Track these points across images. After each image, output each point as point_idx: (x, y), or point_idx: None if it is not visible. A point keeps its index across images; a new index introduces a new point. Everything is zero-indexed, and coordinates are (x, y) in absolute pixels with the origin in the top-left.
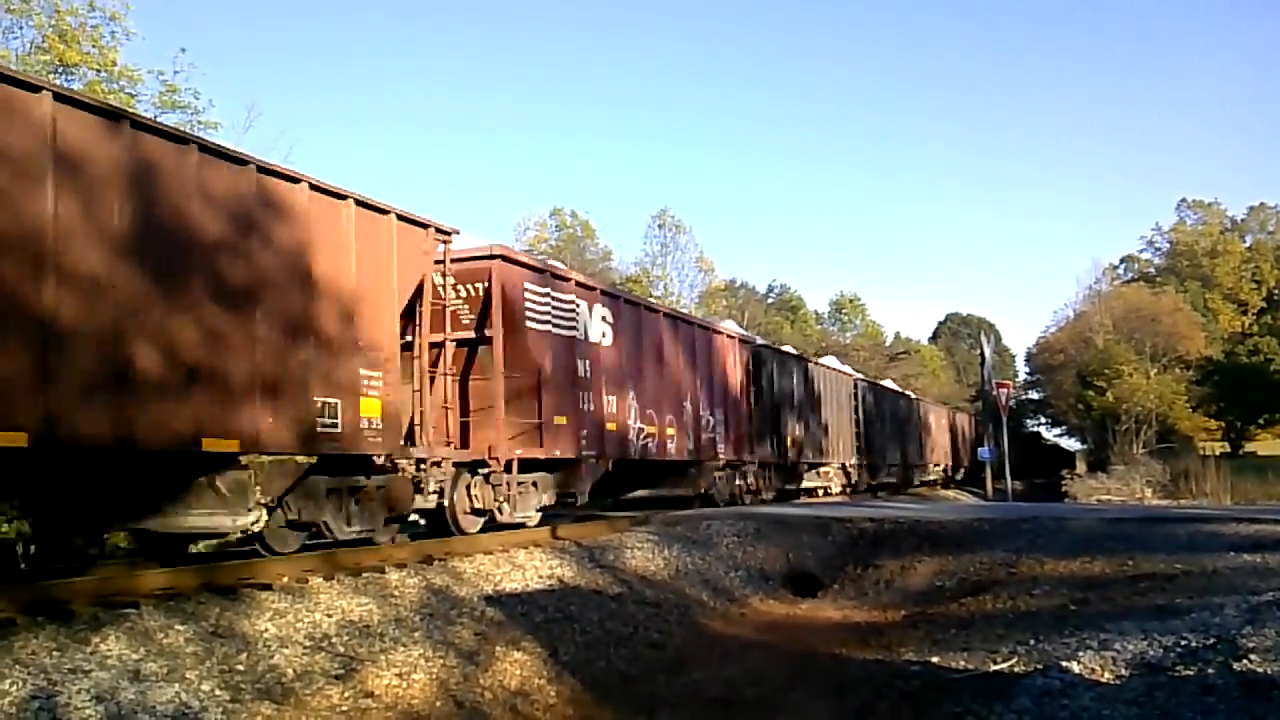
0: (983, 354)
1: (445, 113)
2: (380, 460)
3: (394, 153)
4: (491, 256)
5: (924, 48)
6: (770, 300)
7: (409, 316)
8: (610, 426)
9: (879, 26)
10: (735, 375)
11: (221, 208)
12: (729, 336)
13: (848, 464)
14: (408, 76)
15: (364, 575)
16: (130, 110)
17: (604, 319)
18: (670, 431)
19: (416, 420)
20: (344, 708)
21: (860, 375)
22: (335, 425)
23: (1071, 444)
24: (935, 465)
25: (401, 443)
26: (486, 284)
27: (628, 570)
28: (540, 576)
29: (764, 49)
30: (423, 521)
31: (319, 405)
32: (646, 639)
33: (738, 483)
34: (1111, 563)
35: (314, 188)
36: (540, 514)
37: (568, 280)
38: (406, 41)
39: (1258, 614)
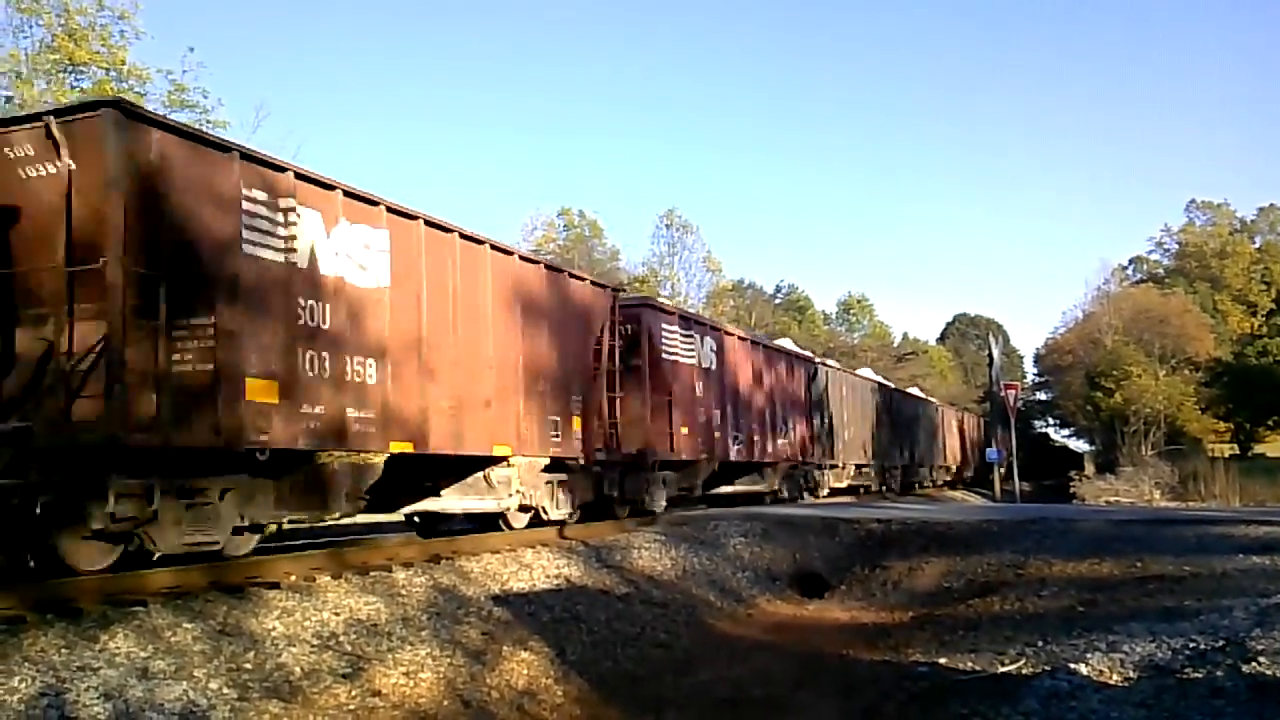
0: (991, 355)
1: (452, 112)
2: (579, 461)
3: (401, 151)
4: (642, 305)
5: (931, 48)
6: (778, 300)
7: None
8: (716, 435)
9: (886, 26)
10: (799, 388)
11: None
12: (794, 355)
13: (885, 464)
14: (413, 75)
15: (371, 574)
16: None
17: (710, 348)
18: (755, 438)
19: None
20: (351, 706)
21: (882, 380)
22: (558, 437)
23: (1080, 445)
24: (944, 466)
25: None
26: (636, 326)
27: (635, 570)
28: (547, 576)
29: (772, 49)
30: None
31: (551, 422)
32: (654, 639)
33: (800, 481)
34: (1120, 564)
35: (573, 276)
36: (666, 502)
37: (688, 318)
38: (412, 40)
39: (1267, 616)
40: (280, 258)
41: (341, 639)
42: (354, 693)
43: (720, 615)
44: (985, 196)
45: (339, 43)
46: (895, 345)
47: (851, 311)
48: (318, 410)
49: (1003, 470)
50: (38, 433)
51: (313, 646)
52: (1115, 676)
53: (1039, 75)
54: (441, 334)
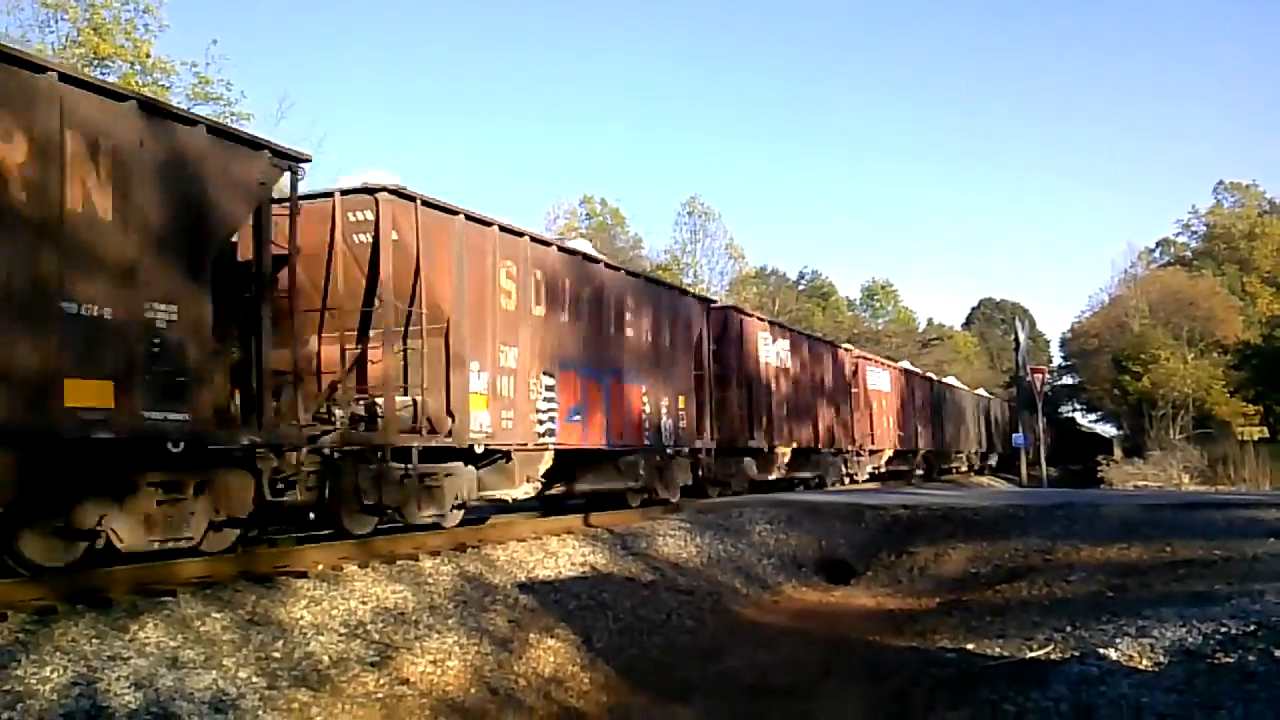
0: (1017, 339)
1: (474, 101)
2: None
3: (423, 140)
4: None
5: (955, 31)
6: (801, 287)
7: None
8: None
9: (910, 9)
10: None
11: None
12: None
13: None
14: (435, 65)
15: (398, 563)
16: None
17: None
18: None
19: (694, 424)
20: (379, 694)
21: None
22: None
23: (1107, 430)
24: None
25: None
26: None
27: (660, 558)
28: (573, 564)
29: (793, 35)
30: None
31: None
32: (680, 626)
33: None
34: (1149, 549)
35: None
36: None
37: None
38: (433, 30)
39: None
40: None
41: (369, 627)
42: (382, 681)
43: (746, 602)
44: (1010, 180)
45: (361, 33)
46: (920, 331)
47: (876, 297)
48: None
49: (1029, 455)
50: None
51: (341, 635)
52: (1145, 661)
53: (1064, 57)
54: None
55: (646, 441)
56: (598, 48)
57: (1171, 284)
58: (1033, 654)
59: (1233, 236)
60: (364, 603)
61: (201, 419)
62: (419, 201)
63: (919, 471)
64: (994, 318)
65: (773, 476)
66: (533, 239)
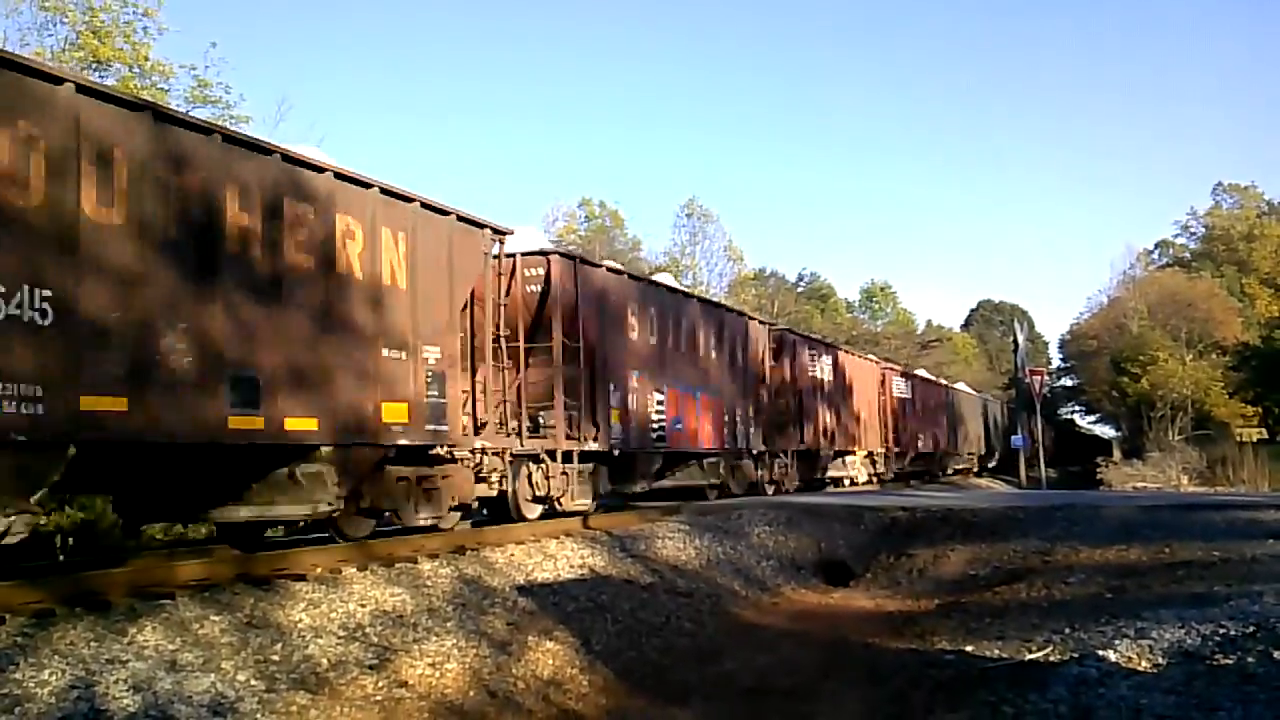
0: (1016, 341)
1: (472, 102)
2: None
3: (422, 142)
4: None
5: (953, 33)
6: (800, 289)
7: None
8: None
9: (907, 10)
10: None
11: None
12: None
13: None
14: (434, 67)
15: (397, 566)
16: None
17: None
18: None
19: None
20: (378, 697)
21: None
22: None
23: (1106, 431)
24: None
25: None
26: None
27: (659, 560)
28: (572, 566)
29: (791, 36)
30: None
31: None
32: (679, 628)
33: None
34: (1148, 550)
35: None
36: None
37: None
38: (432, 31)
39: None
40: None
41: (368, 630)
42: (380, 683)
43: (745, 604)
44: (1009, 182)
45: (360, 33)
46: (919, 332)
47: (874, 299)
48: None
49: (1028, 457)
50: None
51: (339, 638)
52: (1144, 663)
53: (1062, 59)
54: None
55: (726, 445)
56: (596, 49)
57: (1170, 285)
58: (1032, 656)
59: (1231, 238)
60: (363, 605)
61: (455, 432)
62: (578, 260)
63: (918, 474)
64: (993, 319)
65: (817, 476)
66: (648, 282)
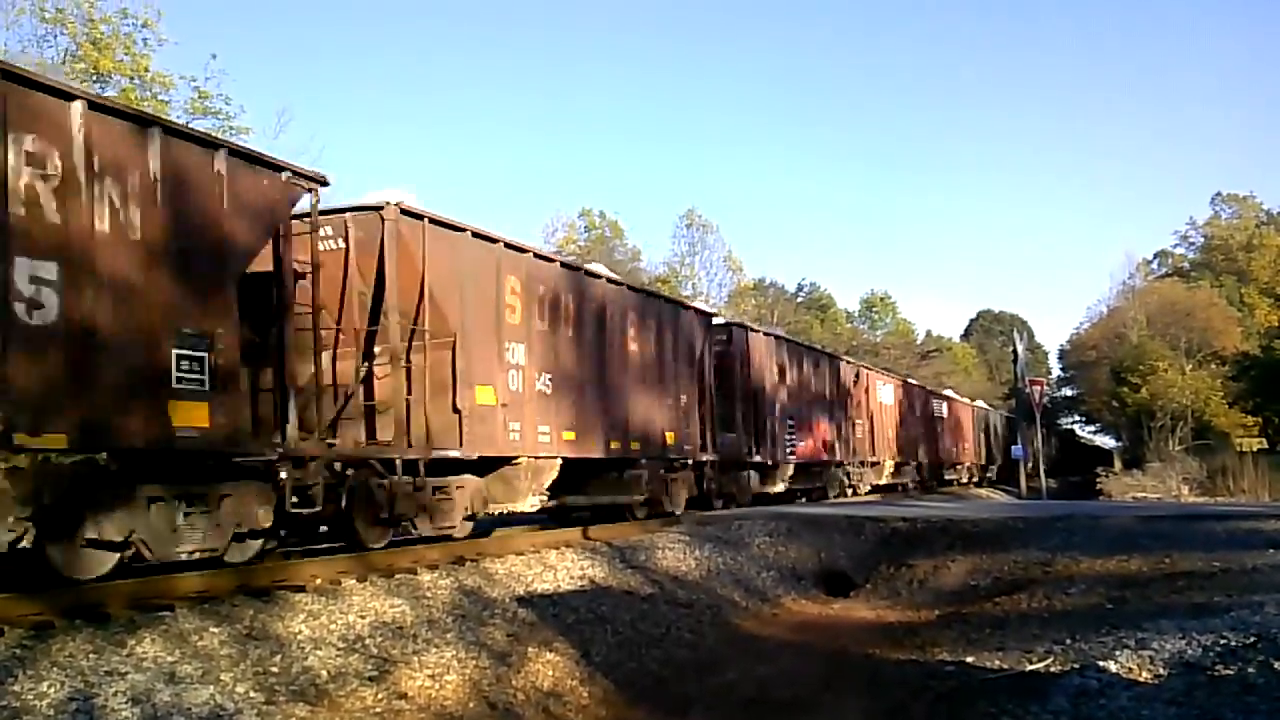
0: (1015, 351)
1: (472, 113)
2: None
3: (422, 153)
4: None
5: (953, 43)
6: (800, 299)
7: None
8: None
9: (907, 22)
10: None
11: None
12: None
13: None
14: (433, 77)
15: (396, 577)
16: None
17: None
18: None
19: (698, 437)
20: (377, 709)
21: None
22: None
23: (1106, 441)
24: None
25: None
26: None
27: (659, 571)
28: (572, 577)
29: (791, 46)
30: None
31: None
32: (679, 639)
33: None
34: (1148, 561)
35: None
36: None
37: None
38: (431, 42)
39: None
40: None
41: (367, 641)
42: (380, 695)
43: (745, 615)
44: (1008, 192)
45: (360, 45)
46: (919, 343)
47: (874, 309)
48: None
49: (1028, 467)
50: None
51: (339, 649)
52: (1145, 674)
53: (1061, 69)
54: None
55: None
56: (597, 60)
57: (1169, 295)
58: (1032, 666)
59: (1230, 247)
60: (362, 616)
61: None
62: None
63: (918, 483)
64: (992, 329)
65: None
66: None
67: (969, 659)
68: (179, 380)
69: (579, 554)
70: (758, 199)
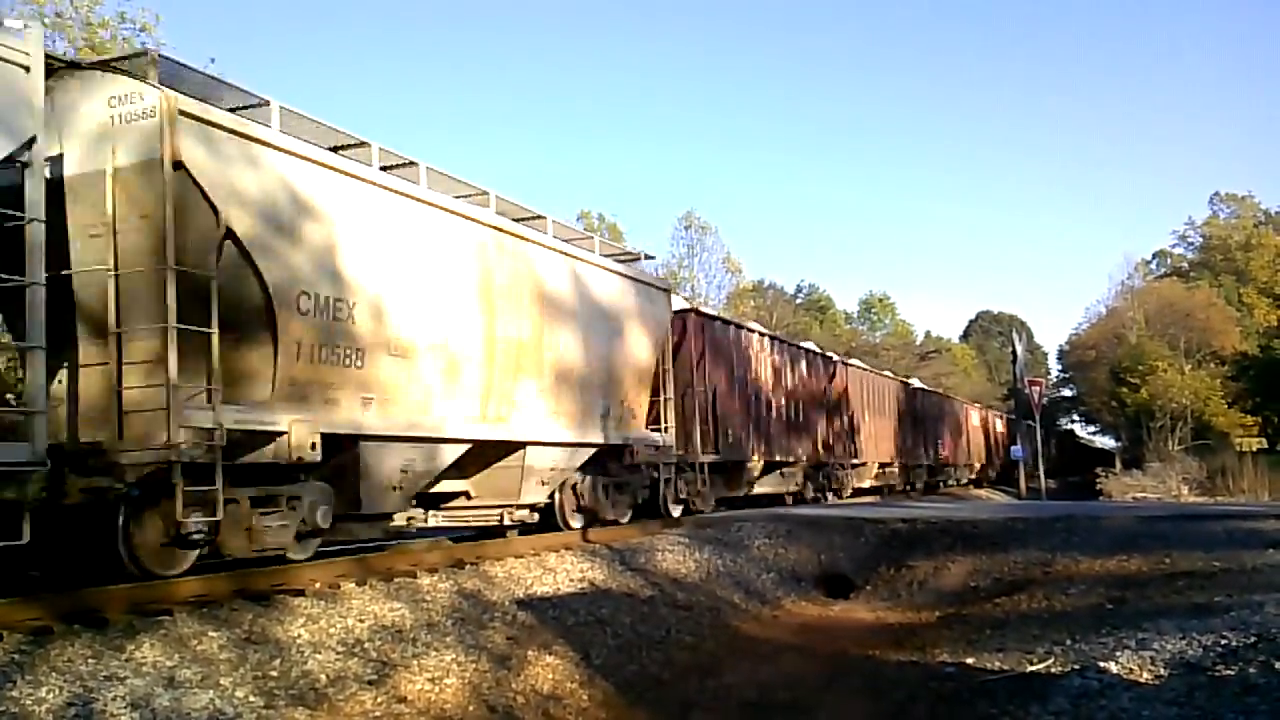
0: (1014, 352)
1: (470, 115)
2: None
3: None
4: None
5: (950, 44)
6: (799, 300)
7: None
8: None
9: (903, 23)
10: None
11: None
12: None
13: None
14: (431, 79)
15: (396, 580)
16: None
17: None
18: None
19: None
20: (377, 713)
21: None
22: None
23: (1106, 442)
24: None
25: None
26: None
27: (659, 573)
28: (571, 580)
29: (791, 48)
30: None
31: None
32: (679, 641)
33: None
34: (1148, 561)
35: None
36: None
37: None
38: (429, 44)
39: None
40: None
41: (367, 645)
42: (380, 699)
43: (745, 617)
44: (1006, 193)
45: (358, 46)
46: (918, 344)
47: (873, 310)
48: None
49: (1028, 468)
50: None
51: (338, 653)
52: (1145, 674)
53: (1060, 69)
54: None
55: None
56: (595, 62)
57: (1168, 295)
58: (1033, 667)
59: (1229, 247)
60: (361, 620)
61: None
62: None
63: (910, 486)
64: (991, 330)
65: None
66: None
67: (969, 660)
68: None
69: (578, 556)
70: (757, 200)
